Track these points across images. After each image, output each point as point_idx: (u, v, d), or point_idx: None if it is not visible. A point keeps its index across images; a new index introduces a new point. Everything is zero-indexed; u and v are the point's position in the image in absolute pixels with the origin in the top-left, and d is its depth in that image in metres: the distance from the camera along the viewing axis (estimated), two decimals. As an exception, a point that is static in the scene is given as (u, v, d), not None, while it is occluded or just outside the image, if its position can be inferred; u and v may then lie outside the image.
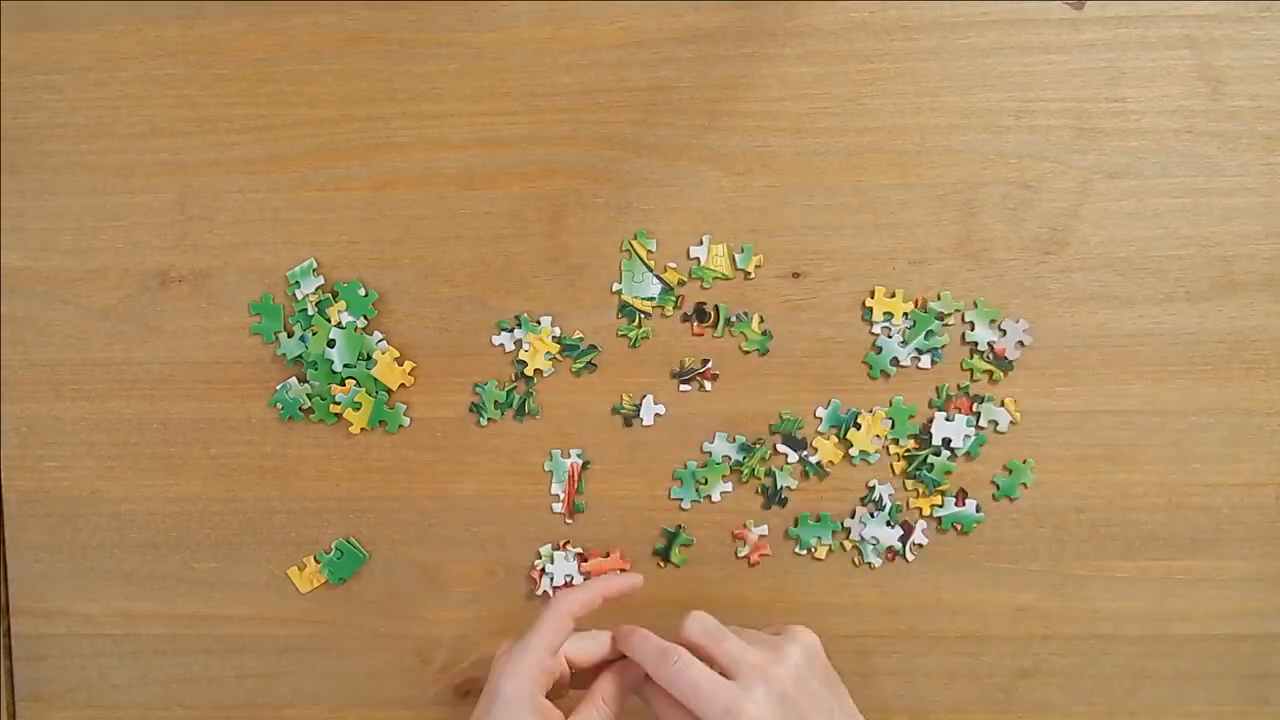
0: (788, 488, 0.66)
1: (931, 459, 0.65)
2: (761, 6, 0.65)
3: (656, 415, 0.66)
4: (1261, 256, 0.64)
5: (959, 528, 0.65)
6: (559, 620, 0.54)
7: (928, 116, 0.65)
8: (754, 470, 0.66)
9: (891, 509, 0.65)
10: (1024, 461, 0.65)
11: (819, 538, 0.66)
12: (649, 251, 0.66)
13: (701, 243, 0.66)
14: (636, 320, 0.66)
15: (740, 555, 0.66)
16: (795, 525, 0.66)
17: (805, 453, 0.66)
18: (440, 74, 0.66)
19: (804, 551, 0.66)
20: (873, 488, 0.65)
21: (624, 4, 0.65)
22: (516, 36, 0.66)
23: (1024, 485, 0.65)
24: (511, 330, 0.66)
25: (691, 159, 0.66)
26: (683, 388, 0.66)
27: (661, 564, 0.67)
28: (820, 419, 0.66)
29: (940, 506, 0.65)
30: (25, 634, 0.69)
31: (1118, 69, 0.64)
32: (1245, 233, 0.64)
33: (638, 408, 0.66)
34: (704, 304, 0.66)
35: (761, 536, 0.66)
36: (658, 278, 0.66)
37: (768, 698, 0.51)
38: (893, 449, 0.65)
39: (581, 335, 0.66)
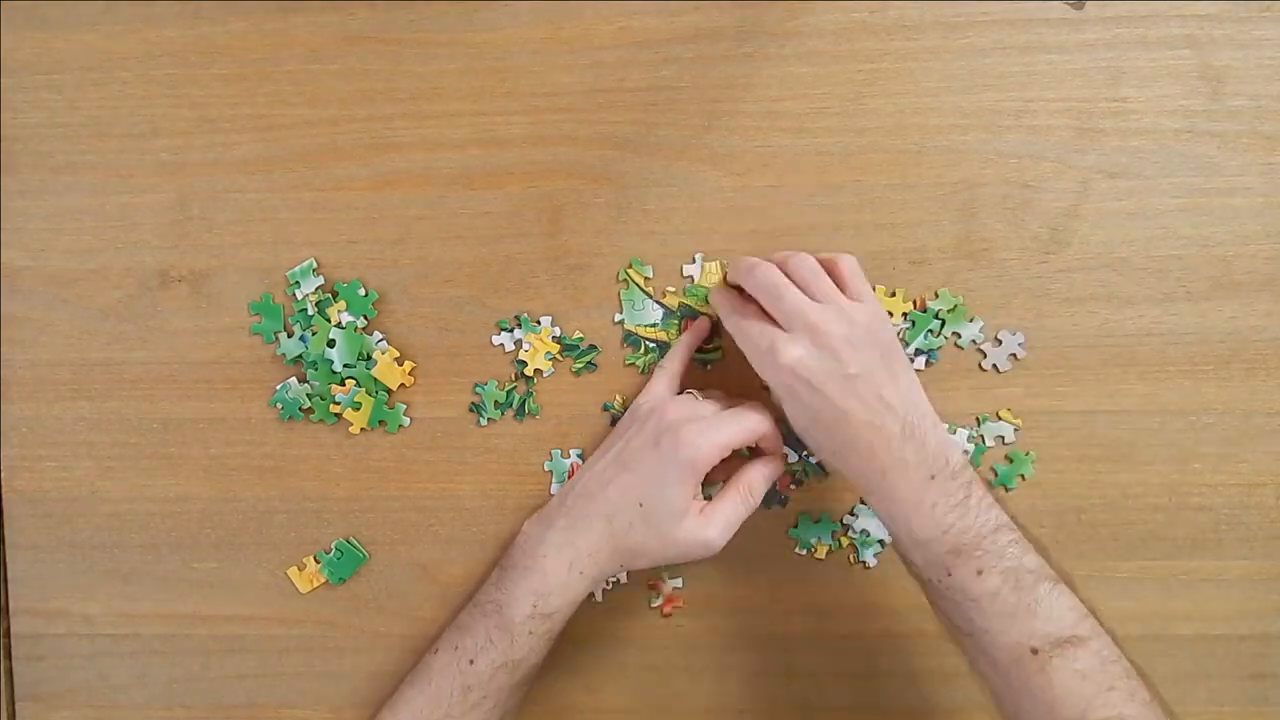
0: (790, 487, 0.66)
1: None
2: (761, 6, 0.65)
3: None
4: (1261, 256, 0.64)
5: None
6: (753, 429, 0.58)
7: (928, 116, 0.65)
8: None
9: None
10: (1026, 453, 0.65)
11: (819, 538, 0.66)
12: (646, 279, 0.66)
13: (694, 261, 0.66)
14: (642, 348, 0.66)
15: (654, 605, 0.67)
16: (795, 525, 0.66)
17: (805, 453, 0.66)
18: (440, 74, 0.66)
19: (804, 551, 0.66)
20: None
21: (624, 4, 0.65)
22: (516, 36, 0.66)
23: (1022, 477, 0.65)
24: (511, 330, 0.66)
25: (691, 159, 0.66)
26: None
27: (672, 604, 0.67)
28: None
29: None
30: (25, 634, 0.69)
31: (1118, 69, 0.64)
32: (1245, 233, 0.64)
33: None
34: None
35: (675, 589, 0.66)
36: (658, 303, 0.66)
37: (808, 348, 0.54)
38: None
39: (582, 335, 0.66)
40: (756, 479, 0.59)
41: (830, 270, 0.58)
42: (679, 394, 0.62)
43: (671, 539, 0.57)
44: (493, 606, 0.59)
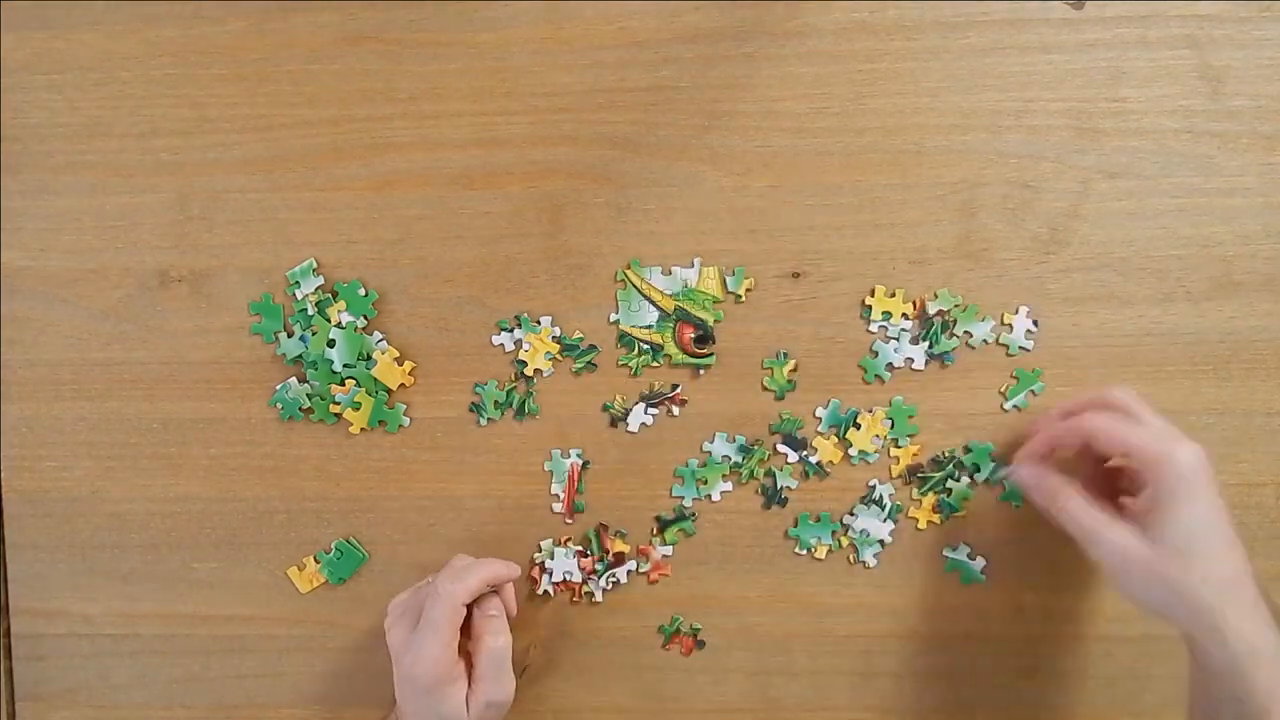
0: (787, 488, 0.66)
1: (950, 484, 0.65)
2: (761, 6, 0.65)
3: (643, 424, 0.66)
4: (1261, 256, 0.64)
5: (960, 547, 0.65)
6: (454, 613, 0.58)
7: (928, 116, 0.65)
8: (753, 471, 0.66)
9: (891, 509, 0.65)
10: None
11: (819, 538, 0.66)
12: (643, 279, 0.66)
13: (692, 265, 0.66)
14: (636, 349, 0.66)
15: (641, 571, 0.67)
16: (795, 525, 0.66)
17: (805, 452, 0.66)
18: (440, 74, 0.66)
19: (804, 552, 0.66)
20: (873, 487, 0.65)
21: (624, 4, 0.65)
22: (516, 36, 0.66)
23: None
24: (511, 330, 0.66)
25: (691, 159, 0.66)
26: (650, 411, 0.66)
27: (659, 571, 0.67)
28: (820, 419, 0.66)
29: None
30: (25, 634, 0.69)
31: (1118, 69, 0.64)
32: (1245, 233, 0.64)
33: (627, 412, 0.66)
34: (703, 327, 0.66)
35: (664, 557, 0.66)
36: (654, 305, 0.66)
37: (1201, 454, 0.53)
38: (893, 450, 0.65)
39: (582, 335, 0.66)
40: (487, 635, 0.59)
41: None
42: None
43: None
44: None
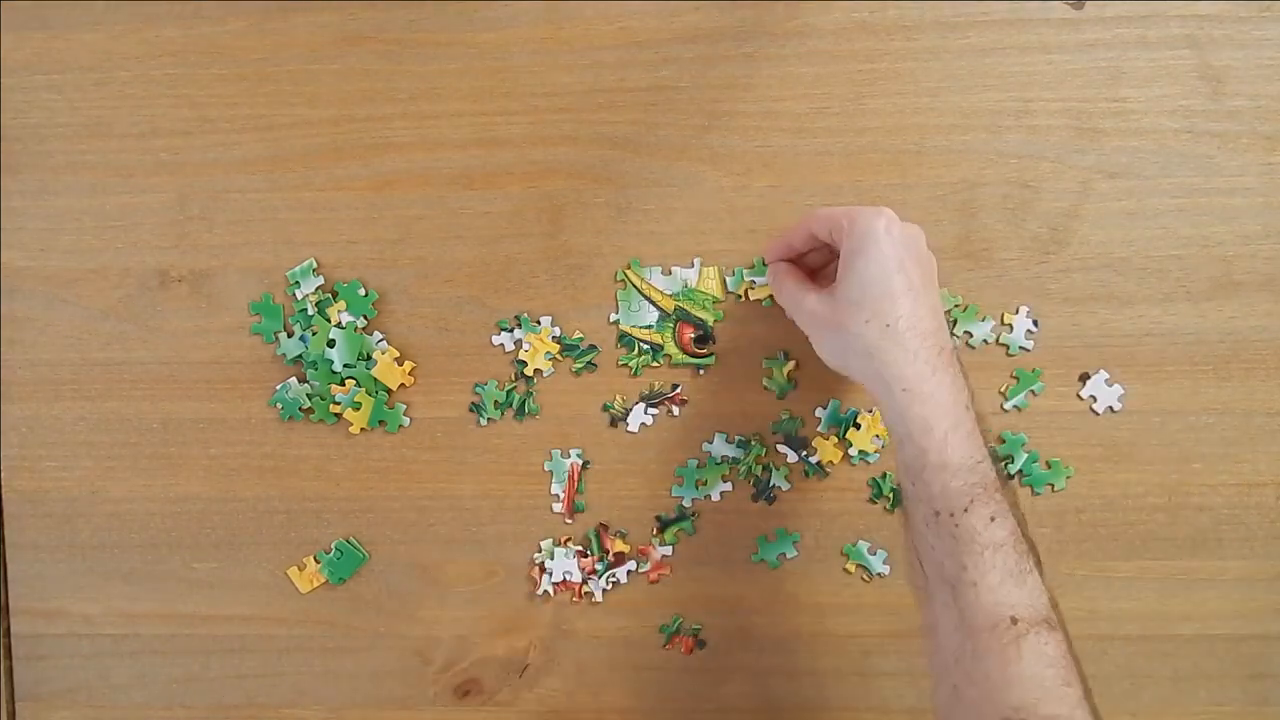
0: (778, 488, 0.66)
1: None
2: (761, 6, 0.65)
3: (643, 424, 0.66)
4: (1261, 256, 0.64)
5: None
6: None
7: (928, 116, 0.65)
8: (750, 468, 0.66)
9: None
10: (1049, 465, 0.65)
11: (783, 554, 0.66)
12: (643, 280, 0.66)
13: (692, 265, 0.66)
14: (636, 349, 0.66)
15: (641, 572, 0.67)
16: (771, 540, 0.66)
17: (805, 453, 0.66)
18: (440, 74, 0.66)
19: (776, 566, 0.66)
20: (877, 483, 0.65)
21: (624, 4, 0.65)
22: (516, 36, 0.66)
23: (1052, 486, 0.65)
24: (511, 330, 0.66)
25: (691, 159, 0.66)
26: (650, 411, 0.66)
27: (659, 571, 0.67)
28: (820, 419, 0.66)
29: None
30: (25, 634, 0.69)
31: (1118, 69, 0.64)
32: (1245, 233, 0.64)
33: (627, 411, 0.66)
34: (703, 327, 0.66)
35: (664, 557, 0.66)
36: (654, 305, 0.66)
37: (901, 224, 0.54)
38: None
39: (582, 335, 0.66)
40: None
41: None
42: None
43: None
44: None
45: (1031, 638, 0.48)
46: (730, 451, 0.66)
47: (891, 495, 0.65)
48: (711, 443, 0.66)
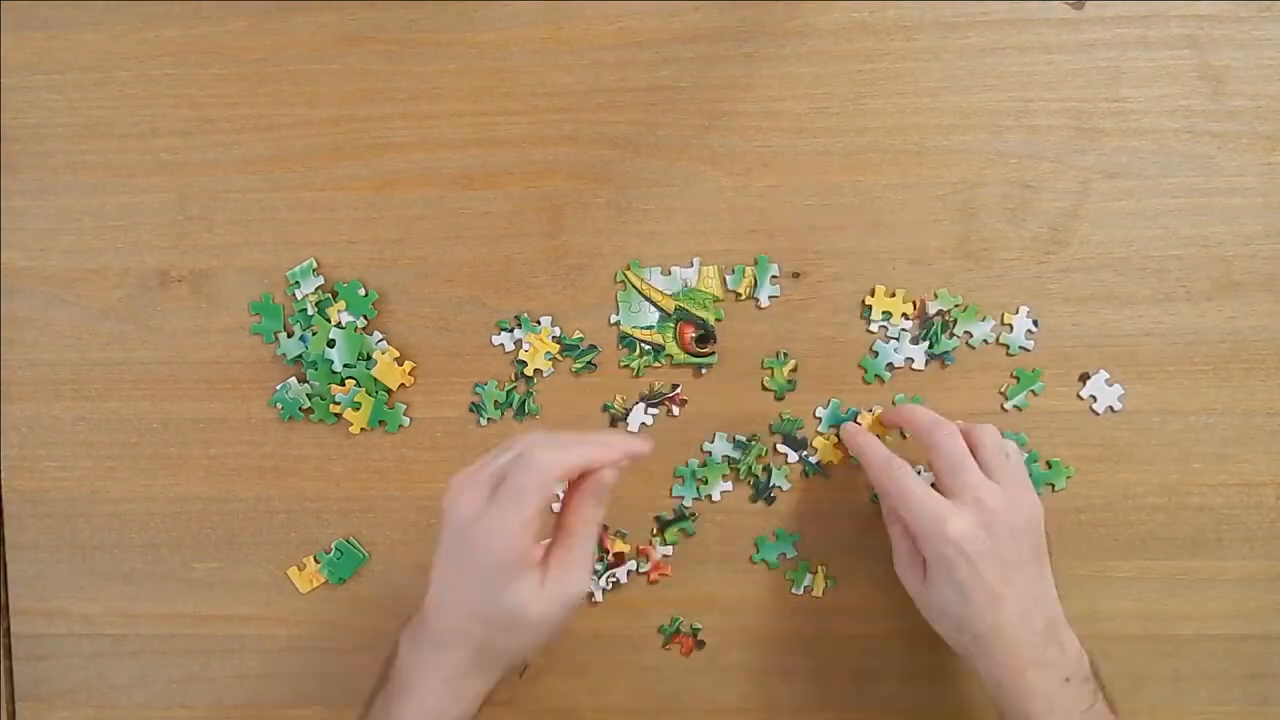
0: (778, 487, 0.66)
1: None
2: (761, 6, 0.65)
3: (643, 424, 0.66)
4: (1261, 256, 0.64)
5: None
6: (545, 489, 0.48)
7: (928, 116, 0.65)
8: (750, 467, 0.66)
9: None
10: (1049, 465, 0.65)
11: (783, 554, 0.66)
12: (644, 281, 0.66)
13: (692, 264, 0.66)
14: (637, 350, 0.66)
15: (641, 572, 0.67)
16: (772, 539, 0.66)
17: (805, 453, 0.66)
18: (440, 74, 0.66)
19: (799, 592, 0.66)
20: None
21: (624, 4, 0.65)
22: (516, 36, 0.66)
23: (1051, 486, 0.65)
24: (511, 330, 0.66)
25: (691, 159, 0.66)
26: (650, 411, 0.66)
27: (659, 571, 0.67)
28: (820, 419, 0.66)
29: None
30: (25, 634, 0.69)
31: (1118, 69, 0.64)
32: (1245, 233, 0.64)
33: (627, 411, 0.66)
34: (704, 326, 0.66)
35: (665, 557, 0.66)
36: (655, 306, 0.66)
37: (975, 526, 0.54)
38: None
39: (582, 335, 0.66)
40: (581, 512, 0.51)
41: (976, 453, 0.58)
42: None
43: (535, 625, 0.49)
44: None
45: None
46: (730, 451, 0.66)
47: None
48: (712, 442, 0.66)
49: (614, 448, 0.51)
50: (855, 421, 0.65)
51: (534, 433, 0.52)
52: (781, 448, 0.66)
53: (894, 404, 0.65)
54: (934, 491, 0.56)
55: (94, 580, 0.69)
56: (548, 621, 0.50)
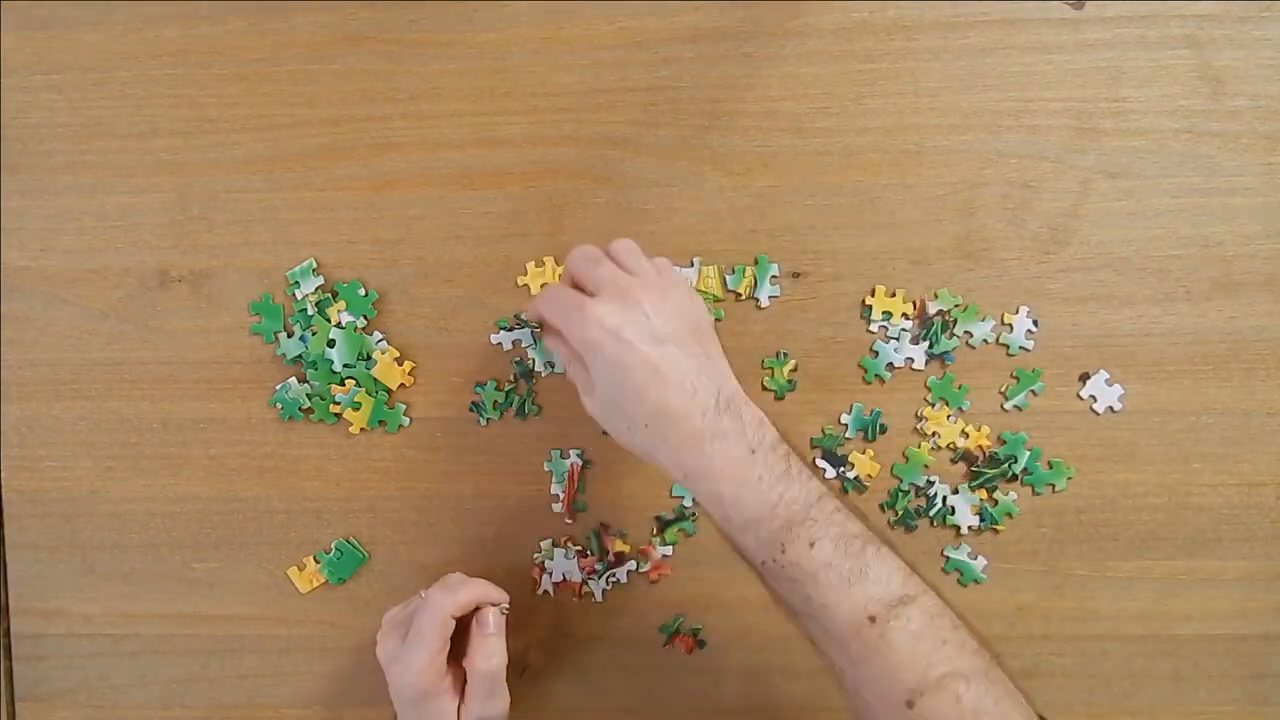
0: None
1: (999, 494, 0.65)
2: (761, 6, 0.65)
3: None
4: (1261, 256, 0.64)
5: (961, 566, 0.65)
6: (442, 626, 0.57)
7: (928, 116, 0.65)
8: None
9: (940, 511, 0.65)
10: (1050, 465, 0.65)
11: None
12: None
13: (692, 264, 0.66)
14: None
15: (641, 571, 0.67)
16: None
17: (843, 469, 0.65)
18: (440, 74, 0.66)
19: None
20: (931, 483, 0.65)
21: (624, 4, 0.65)
22: (516, 36, 0.66)
23: (1053, 486, 0.65)
24: (511, 330, 0.66)
25: (691, 159, 0.66)
26: None
27: (659, 571, 0.67)
28: (845, 425, 0.65)
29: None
30: (25, 634, 0.69)
31: (1118, 69, 0.64)
32: (1245, 233, 0.64)
33: None
34: None
35: (664, 557, 0.66)
36: None
37: (617, 305, 0.52)
38: (941, 425, 0.65)
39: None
40: (493, 645, 0.58)
41: (567, 269, 0.57)
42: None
43: None
44: None
45: (894, 623, 0.49)
46: None
47: (900, 512, 0.65)
48: None
49: (490, 591, 0.60)
50: None
51: (441, 580, 0.60)
52: (821, 463, 0.66)
53: (931, 385, 0.65)
54: (576, 291, 0.54)
55: (94, 580, 0.69)
56: None
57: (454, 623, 0.57)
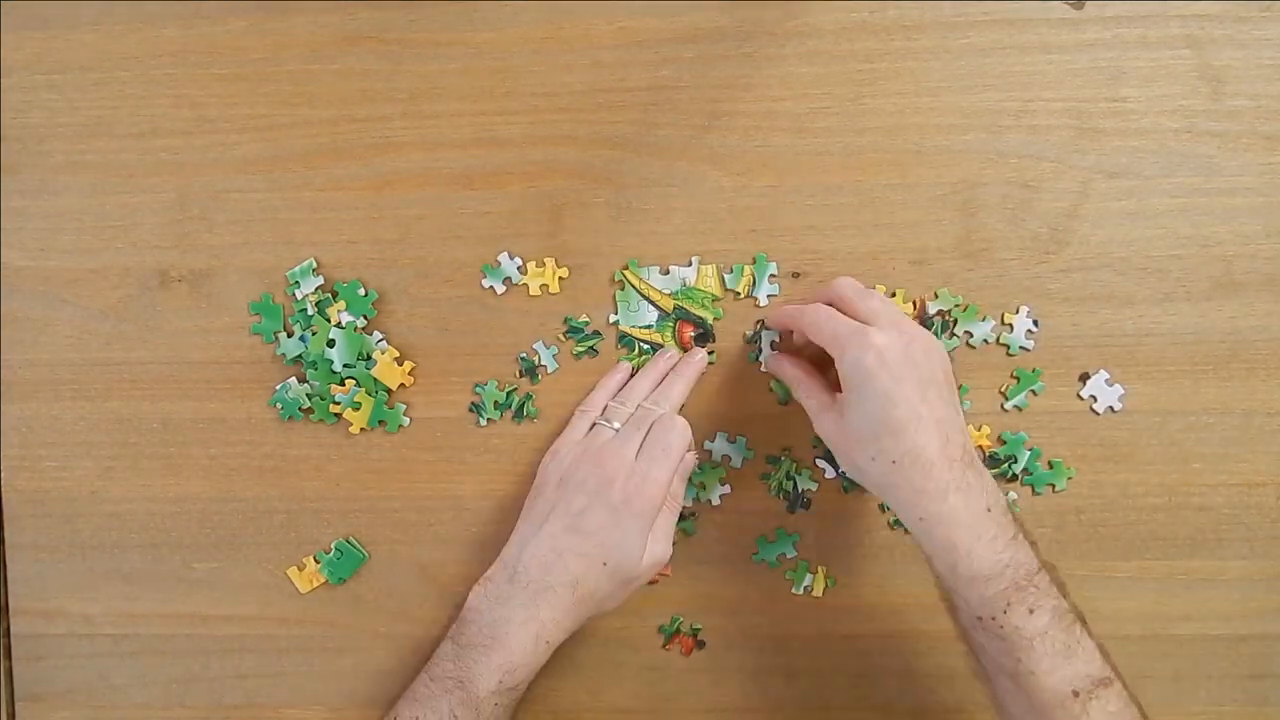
0: (810, 490, 0.66)
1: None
2: (761, 6, 0.65)
3: None
4: (1261, 256, 0.64)
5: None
6: (686, 443, 0.60)
7: (928, 116, 0.65)
8: (780, 483, 0.65)
9: None
10: (1049, 465, 0.65)
11: (783, 554, 0.66)
12: (642, 280, 0.66)
13: (690, 264, 0.66)
14: (636, 350, 0.66)
15: None
16: (758, 552, 0.66)
17: (843, 469, 0.65)
18: (440, 74, 0.66)
19: (800, 592, 0.66)
20: None
21: (624, 4, 0.65)
22: (516, 36, 0.66)
23: (1053, 486, 0.65)
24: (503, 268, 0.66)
25: (691, 159, 0.66)
26: None
27: (661, 571, 0.67)
28: None
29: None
30: (25, 634, 0.69)
31: (1118, 69, 0.64)
32: (1245, 233, 0.64)
33: None
34: (703, 325, 0.65)
35: None
36: (654, 305, 0.66)
37: (897, 340, 0.53)
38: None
39: (588, 319, 0.66)
40: (679, 487, 0.62)
41: (831, 294, 0.59)
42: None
43: (635, 578, 0.59)
44: (453, 683, 0.57)
45: (1095, 703, 0.51)
46: (730, 451, 0.66)
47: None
48: (713, 442, 0.66)
49: (683, 364, 0.64)
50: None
51: (608, 383, 0.65)
52: (820, 462, 0.66)
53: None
54: (852, 320, 0.56)
55: (94, 580, 0.69)
56: (645, 575, 0.60)
57: (689, 439, 0.61)
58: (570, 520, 0.59)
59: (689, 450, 0.61)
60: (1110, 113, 0.64)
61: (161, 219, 0.67)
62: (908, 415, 0.52)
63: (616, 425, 0.61)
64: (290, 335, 0.67)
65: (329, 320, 0.66)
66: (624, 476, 0.58)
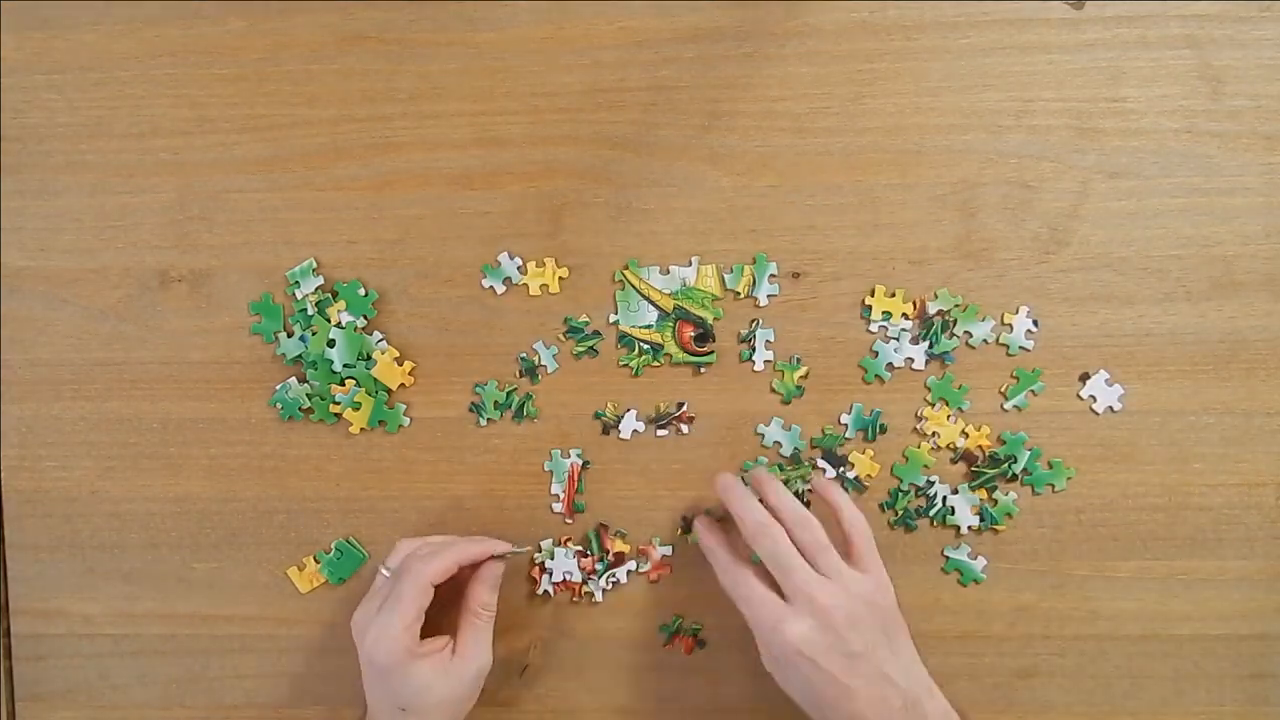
0: (809, 491, 0.65)
1: (998, 494, 0.65)
2: (761, 6, 0.65)
3: (635, 432, 0.66)
4: (1261, 256, 0.64)
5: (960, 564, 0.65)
6: (421, 592, 0.57)
7: (928, 116, 0.65)
8: (796, 486, 0.65)
9: (941, 511, 0.65)
10: (1049, 465, 0.65)
11: None
12: (642, 280, 0.66)
13: (690, 264, 0.65)
14: (636, 349, 0.66)
15: (641, 571, 0.67)
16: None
17: (843, 469, 0.66)
18: (440, 74, 0.66)
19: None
20: (931, 484, 0.65)
21: (624, 4, 0.65)
22: (516, 36, 0.66)
23: (1052, 486, 0.65)
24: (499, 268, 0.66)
25: (691, 159, 0.66)
26: (659, 433, 0.66)
27: (659, 571, 0.67)
28: (845, 425, 0.65)
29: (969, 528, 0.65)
30: (25, 634, 0.69)
31: (1118, 69, 0.64)
32: (1245, 233, 0.64)
33: (619, 419, 0.66)
34: (703, 325, 0.65)
35: (664, 556, 0.66)
36: (653, 305, 0.66)
37: (812, 626, 0.54)
38: (941, 425, 0.65)
39: (588, 319, 0.66)
40: (479, 598, 0.60)
41: (842, 530, 0.58)
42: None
43: (454, 699, 0.58)
44: None
45: None
46: (781, 437, 0.65)
47: (900, 512, 0.65)
48: (768, 426, 0.66)
49: (480, 547, 0.61)
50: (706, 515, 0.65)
51: (406, 540, 0.62)
52: (821, 463, 0.66)
53: (931, 386, 0.65)
54: (771, 594, 0.56)
55: (94, 580, 0.69)
56: (458, 696, 0.58)
57: (433, 591, 0.57)
58: (364, 682, 0.59)
59: (497, 555, 0.61)
60: (1110, 113, 0.64)
61: (161, 219, 0.67)
62: (836, 694, 0.54)
63: (385, 572, 0.61)
64: (290, 335, 0.67)
65: (329, 320, 0.66)
66: (361, 640, 0.58)
